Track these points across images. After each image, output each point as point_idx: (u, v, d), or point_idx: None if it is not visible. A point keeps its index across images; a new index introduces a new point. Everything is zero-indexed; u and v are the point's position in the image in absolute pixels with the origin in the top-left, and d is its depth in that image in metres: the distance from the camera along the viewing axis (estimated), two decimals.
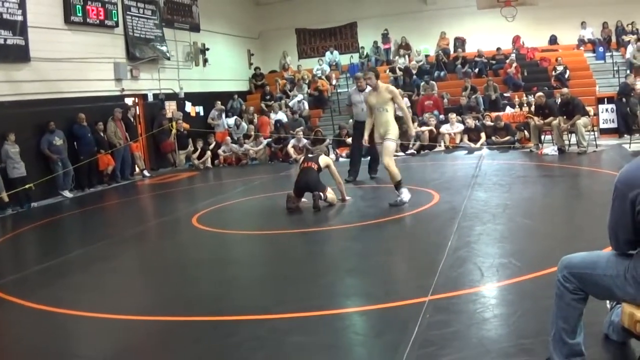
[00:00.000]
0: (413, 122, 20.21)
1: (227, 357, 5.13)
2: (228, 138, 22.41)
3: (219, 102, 24.06)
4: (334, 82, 27.39)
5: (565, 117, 16.68)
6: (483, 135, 19.36)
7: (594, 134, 17.81)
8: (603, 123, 19.24)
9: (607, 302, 4.65)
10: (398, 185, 11.02)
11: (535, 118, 17.60)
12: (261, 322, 5.83)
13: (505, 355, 4.59)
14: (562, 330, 4.00)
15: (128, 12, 20.48)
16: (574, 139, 17.01)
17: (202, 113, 24.34)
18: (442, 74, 25.76)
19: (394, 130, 11.16)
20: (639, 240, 3.81)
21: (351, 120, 20.89)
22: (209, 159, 21.53)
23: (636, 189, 3.66)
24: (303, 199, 11.50)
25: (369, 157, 15.20)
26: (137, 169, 20.49)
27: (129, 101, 20.86)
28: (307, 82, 26.80)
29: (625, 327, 4.17)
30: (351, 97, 15.07)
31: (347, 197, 11.88)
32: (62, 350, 5.76)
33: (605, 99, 19.44)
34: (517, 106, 21.39)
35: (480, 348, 4.76)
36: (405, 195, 10.97)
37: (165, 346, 5.53)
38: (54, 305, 6.86)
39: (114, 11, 19.66)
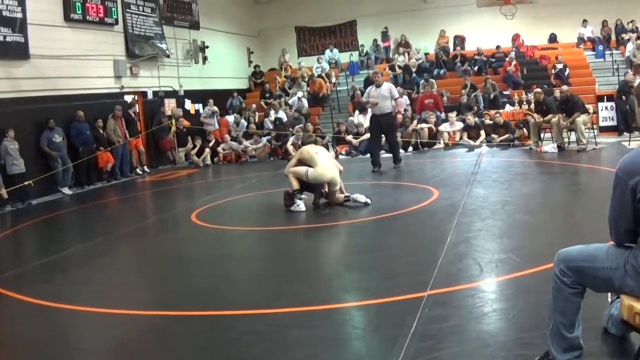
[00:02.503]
0: (413, 119, 20.32)
1: (226, 351, 5.13)
2: (227, 136, 22.40)
3: (212, 101, 23.83)
4: (333, 79, 27.32)
5: (564, 114, 16.68)
6: (482, 132, 19.36)
7: (594, 132, 17.82)
8: (602, 121, 19.29)
9: (609, 296, 4.65)
10: (294, 194, 11.26)
11: (535, 115, 17.61)
12: (260, 316, 5.84)
13: (504, 348, 4.61)
14: (560, 324, 3.99)
15: (128, 10, 20.46)
16: (573, 137, 17.04)
17: (201, 111, 24.29)
18: (441, 72, 25.71)
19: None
20: (639, 231, 3.80)
21: (351, 118, 21.26)
22: (209, 157, 21.52)
23: (637, 176, 3.65)
24: (303, 195, 11.45)
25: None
26: (137, 165, 20.43)
27: (128, 99, 20.84)
28: (306, 79, 26.75)
29: (624, 320, 4.17)
30: (370, 93, 15.90)
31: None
32: (61, 344, 5.77)
33: (605, 97, 19.47)
34: (516, 104, 21.37)
35: (479, 342, 4.78)
36: (297, 207, 11.18)
37: (164, 340, 5.53)
38: (53, 300, 6.85)
39: (113, 9, 19.64)
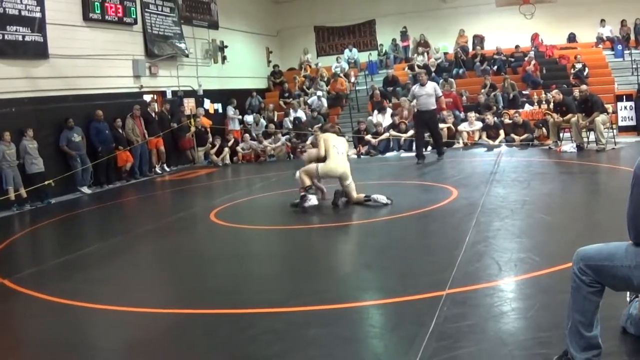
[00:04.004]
0: None
1: (244, 350, 5.13)
2: (247, 135, 22.46)
3: (235, 101, 24.09)
4: (352, 79, 27.27)
5: (583, 114, 16.60)
6: (502, 132, 19.28)
7: (613, 131, 17.72)
8: (622, 121, 19.17)
9: (627, 295, 4.62)
10: (306, 190, 11.41)
11: (554, 115, 17.54)
12: (278, 315, 5.84)
13: (522, 348, 4.59)
14: (579, 323, 3.96)
15: (146, 10, 20.56)
16: (592, 137, 16.94)
17: (220, 110, 24.39)
18: (460, 71, 25.67)
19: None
20: None
21: (370, 118, 21.34)
22: (228, 156, 21.57)
23: None
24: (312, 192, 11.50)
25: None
26: (156, 164, 20.51)
27: (147, 98, 20.87)
28: (325, 79, 26.72)
29: None
30: (415, 92, 17.27)
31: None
32: (79, 342, 5.79)
33: (624, 97, 19.37)
34: (535, 104, 21.27)
35: (497, 341, 4.76)
36: (309, 202, 11.36)
37: (182, 338, 5.53)
38: (72, 298, 6.88)
39: (132, 8, 19.77)
